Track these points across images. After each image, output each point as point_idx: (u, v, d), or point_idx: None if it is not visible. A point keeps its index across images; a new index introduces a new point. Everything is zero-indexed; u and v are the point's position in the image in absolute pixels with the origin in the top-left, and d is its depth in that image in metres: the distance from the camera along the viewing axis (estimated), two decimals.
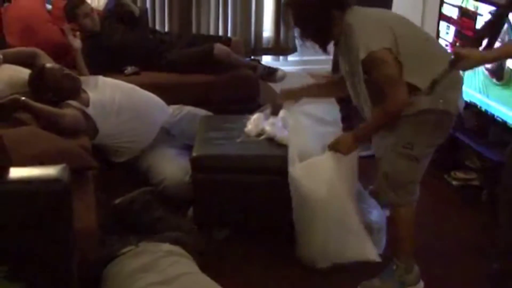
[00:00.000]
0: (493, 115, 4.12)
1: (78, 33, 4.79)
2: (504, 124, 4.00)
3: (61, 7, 5.10)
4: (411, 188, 3.23)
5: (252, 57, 6.09)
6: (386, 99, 3.03)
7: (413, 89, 3.03)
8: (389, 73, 3.01)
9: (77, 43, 4.67)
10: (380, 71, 3.03)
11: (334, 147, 3.30)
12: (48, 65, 4.09)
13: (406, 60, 3.02)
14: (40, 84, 3.96)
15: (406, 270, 3.27)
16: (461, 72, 3.22)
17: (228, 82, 4.96)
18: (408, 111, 3.07)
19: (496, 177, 3.85)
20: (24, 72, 4.08)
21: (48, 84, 3.94)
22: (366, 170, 3.50)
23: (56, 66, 4.09)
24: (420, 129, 3.12)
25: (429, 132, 3.14)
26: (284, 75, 5.24)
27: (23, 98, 3.66)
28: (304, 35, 3.27)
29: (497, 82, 4.07)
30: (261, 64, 5.39)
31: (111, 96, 4.07)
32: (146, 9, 6.06)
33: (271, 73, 5.21)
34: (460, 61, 2.85)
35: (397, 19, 3.23)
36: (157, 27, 6.35)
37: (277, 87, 5.34)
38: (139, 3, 6.25)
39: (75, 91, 4.01)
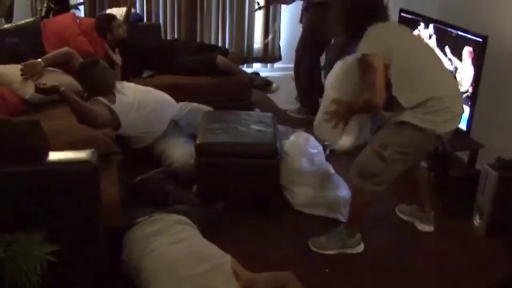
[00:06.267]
0: None
1: (117, 49, 4.81)
2: None
3: (86, 23, 5.06)
4: (375, 181, 3.14)
5: (253, 71, 6.04)
6: (366, 96, 3.01)
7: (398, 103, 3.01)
8: (373, 79, 2.95)
9: (118, 59, 4.70)
10: (366, 73, 2.99)
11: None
12: (101, 60, 4.13)
13: (395, 77, 2.97)
14: (91, 71, 3.96)
15: (348, 234, 3.29)
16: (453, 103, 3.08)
17: (226, 84, 4.94)
18: (393, 119, 3.06)
19: (440, 163, 3.90)
20: (65, 77, 4.11)
21: (99, 72, 3.96)
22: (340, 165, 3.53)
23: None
24: (396, 136, 3.08)
25: (402, 141, 3.06)
26: (278, 88, 5.19)
27: (63, 88, 3.62)
28: (345, 26, 3.20)
29: None
30: (259, 76, 5.33)
31: (132, 97, 4.06)
32: (159, 25, 6.04)
33: (266, 84, 5.18)
34: None
35: (403, 39, 3.13)
36: (169, 38, 6.34)
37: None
38: (153, 20, 6.24)
39: (112, 87, 4.02)
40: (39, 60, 4.08)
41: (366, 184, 3.15)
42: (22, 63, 4.01)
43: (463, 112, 3.19)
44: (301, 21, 5.60)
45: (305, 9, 5.42)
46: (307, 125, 4.89)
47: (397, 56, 2.98)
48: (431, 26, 4.16)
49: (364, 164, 3.16)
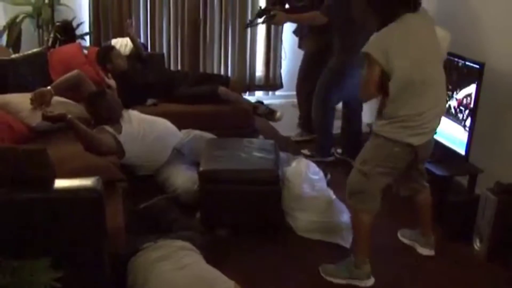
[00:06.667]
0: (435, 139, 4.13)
1: (110, 75, 4.88)
2: (445, 146, 4.03)
3: (93, 52, 5.14)
4: (362, 198, 3.14)
5: (256, 99, 6.02)
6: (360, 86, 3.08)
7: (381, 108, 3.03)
8: (367, 75, 2.98)
9: (112, 82, 4.77)
10: (366, 69, 3.00)
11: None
12: (108, 90, 4.20)
13: (392, 87, 2.94)
14: (98, 102, 3.99)
15: (355, 264, 3.22)
16: (427, 118, 3.03)
17: (229, 112, 4.94)
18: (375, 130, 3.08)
19: (439, 188, 3.90)
20: (73, 105, 4.15)
21: (106, 102, 3.99)
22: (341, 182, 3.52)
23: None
24: (373, 151, 3.11)
25: (379, 155, 3.08)
26: (282, 116, 5.16)
27: (70, 116, 3.62)
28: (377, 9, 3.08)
29: None
30: (263, 104, 5.31)
31: (138, 127, 4.07)
32: (163, 54, 6.08)
33: (271, 113, 5.19)
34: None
35: (412, 48, 2.96)
36: (172, 67, 6.38)
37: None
38: (157, 49, 6.29)
39: (119, 116, 4.03)
40: (48, 88, 4.07)
41: (354, 202, 3.17)
42: (32, 92, 4.00)
43: (437, 126, 3.17)
44: (299, 46, 5.66)
45: (301, 35, 5.47)
46: (309, 146, 4.96)
47: (398, 70, 2.92)
48: None
49: (350, 182, 3.20)
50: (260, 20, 4.95)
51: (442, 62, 3.20)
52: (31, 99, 3.96)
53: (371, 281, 3.24)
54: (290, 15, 4.90)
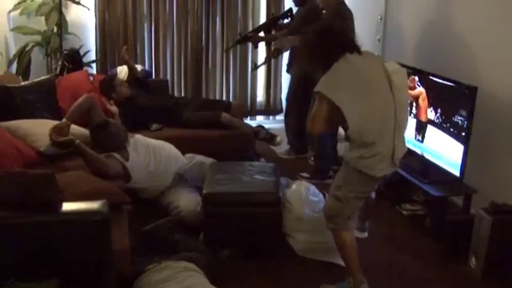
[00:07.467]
0: (431, 161, 4.18)
1: (112, 101, 4.93)
2: (439, 167, 4.06)
3: (98, 79, 5.19)
4: (336, 221, 3.18)
5: (258, 124, 6.06)
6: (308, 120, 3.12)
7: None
8: (315, 111, 3.02)
9: (114, 109, 4.79)
10: (315, 105, 3.04)
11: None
12: (112, 120, 4.23)
13: (348, 120, 2.98)
14: (102, 133, 3.99)
15: (354, 286, 3.20)
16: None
17: (231, 137, 4.95)
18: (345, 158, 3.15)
19: (435, 208, 3.93)
20: (80, 130, 4.15)
21: (110, 133, 3.99)
22: None
23: (118, 122, 4.29)
24: (346, 177, 3.15)
25: (351, 181, 3.13)
26: (281, 141, 5.26)
27: (78, 141, 3.64)
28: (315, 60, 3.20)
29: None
30: (264, 129, 5.35)
31: (144, 156, 4.09)
32: (167, 80, 6.14)
33: (271, 137, 5.22)
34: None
35: (356, 87, 3.03)
36: (176, 93, 6.43)
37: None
38: (161, 76, 6.35)
39: (124, 143, 4.05)
40: (64, 120, 4.01)
41: (333, 225, 3.20)
42: (50, 128, 3.91)
43: (389, 167, 3.14)
44: (287, 71, 5.72)
45: (290, 62, 5.63)
46: (307, 169, 5.00)
47: (348, 106, 2.96)
48: (422, 77, 4.25)
49: (326, 207, 3.26)
50: (262, 61, 5.25)
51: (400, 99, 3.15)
52: (50, 135, 3.88)
53: None
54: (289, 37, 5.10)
